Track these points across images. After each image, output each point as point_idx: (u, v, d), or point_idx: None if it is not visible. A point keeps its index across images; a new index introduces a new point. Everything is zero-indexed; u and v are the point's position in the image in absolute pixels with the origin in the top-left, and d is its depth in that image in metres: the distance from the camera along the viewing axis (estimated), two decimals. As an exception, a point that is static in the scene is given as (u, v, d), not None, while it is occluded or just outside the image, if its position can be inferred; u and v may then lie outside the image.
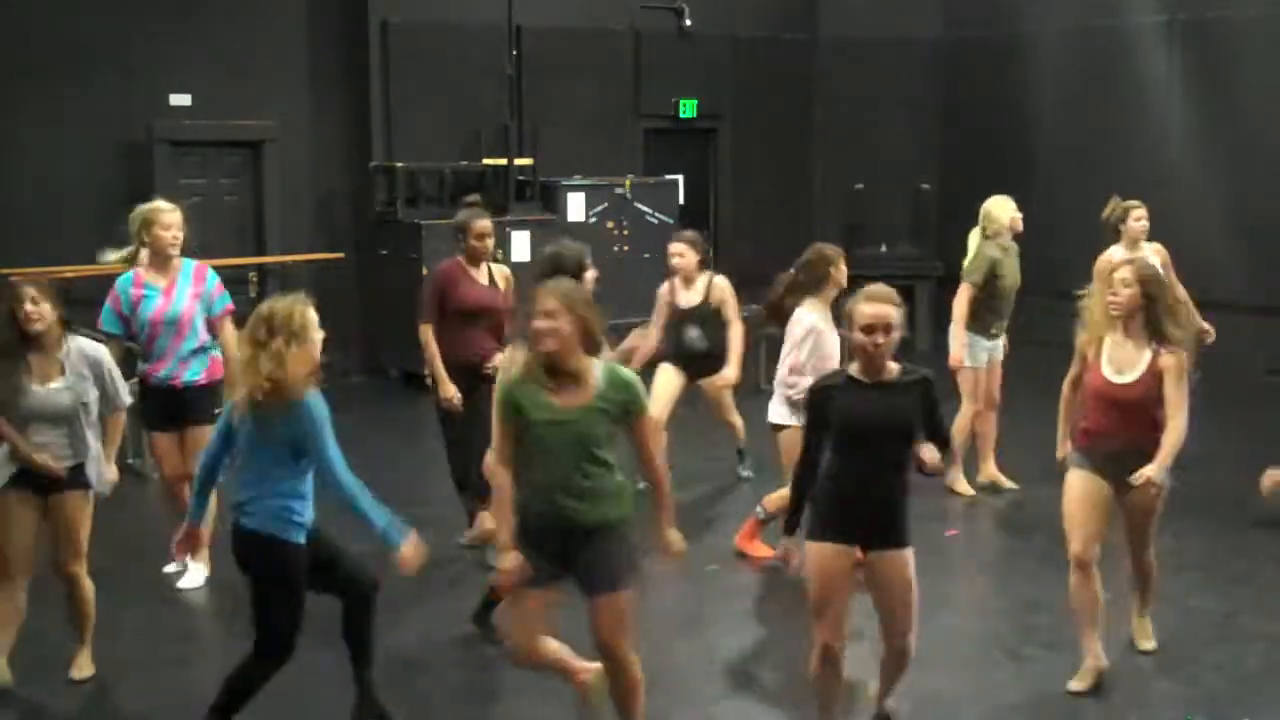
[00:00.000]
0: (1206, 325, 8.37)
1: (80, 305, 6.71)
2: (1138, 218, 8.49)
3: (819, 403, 4.81)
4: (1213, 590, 6.90)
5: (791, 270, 7.08)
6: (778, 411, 7.00)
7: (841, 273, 6.97)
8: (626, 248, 13.33)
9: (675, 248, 8.36)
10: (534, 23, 13.23)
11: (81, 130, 11.77)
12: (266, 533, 4.85)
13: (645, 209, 13.44)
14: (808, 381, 6.99)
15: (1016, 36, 14.47)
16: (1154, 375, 5.46)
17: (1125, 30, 13.46)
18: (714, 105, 14.85)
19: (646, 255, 13.46)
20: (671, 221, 13.63)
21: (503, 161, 12.84)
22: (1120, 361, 5.53)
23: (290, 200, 12.84)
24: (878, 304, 4.66)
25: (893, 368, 4.73)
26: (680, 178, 14.26)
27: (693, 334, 8.27)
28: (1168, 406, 5.46)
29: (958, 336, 8.43)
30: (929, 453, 4.74)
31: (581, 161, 13.51)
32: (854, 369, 4.78)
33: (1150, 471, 5.39)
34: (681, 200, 14.08)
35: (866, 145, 15.08)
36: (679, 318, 8.28)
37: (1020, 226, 8.64)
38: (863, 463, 4.73)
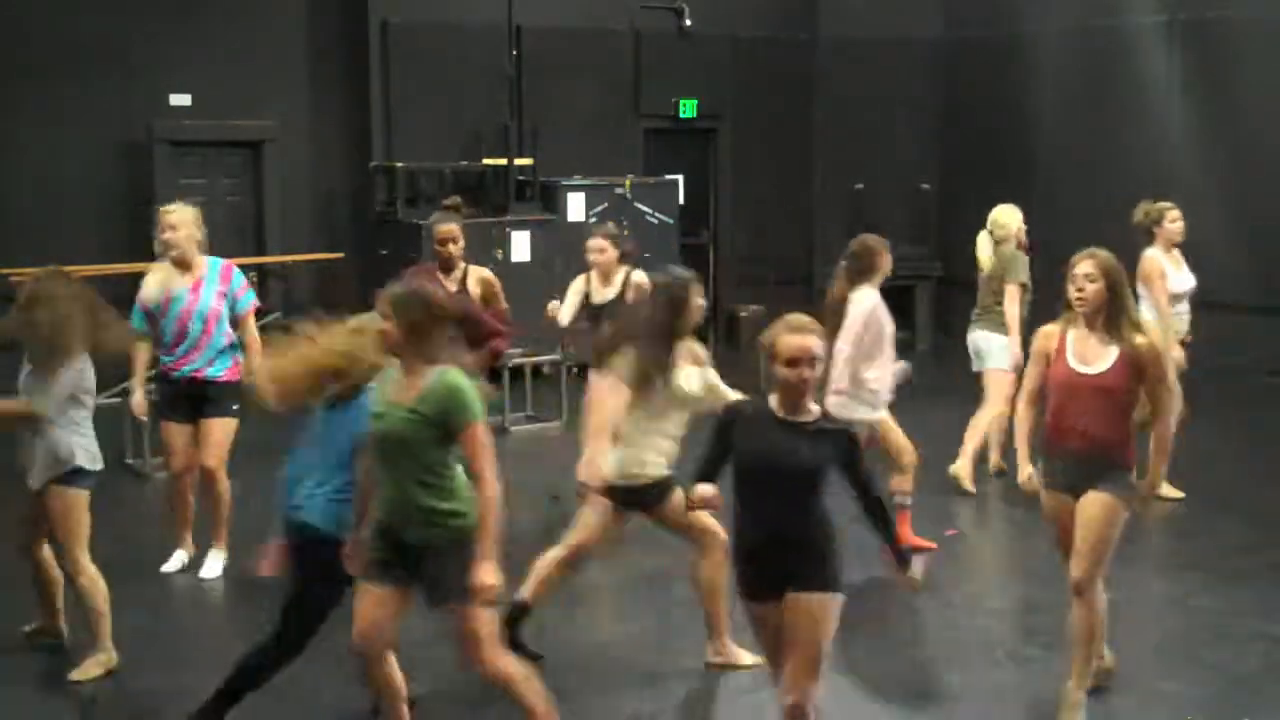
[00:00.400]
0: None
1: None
2: (1173, 219, 8.47)
3: (725, 424, 4.47)
4: (1213, 590, 6.89)
5: (841, 263, 7.21)
6: (859, 410, 6.91)
7: (887, 260, 7.19)
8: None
9: (595, 243, 7.78)
10: (534, 23, 13.23)
11: (81, 130, 11.78)
12: (321, 528, 4.87)
13: (645, 209, 13.44)
14: (889, 367, 7.10)
15: (1016, 36, 14.47)
16: (1128, 367, 5.16)
17: (1125, 30, 13.46)
18: (714, 105, 14.85)
19: (647, 255, 13.42)
20: (671, 221, 13.63)
21: (503, 161, 12.84)
22: (1085, 354, 5.23)
23: (290, 200, 12.85)
24: (802, 335, 4.31)
25: (813, 409, 4.37)
26: (680, 178, 14.26)
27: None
28: (1155, 405, 5.23)
29: (1016, 341, 8.46)
30: (903, 581, 4.63)
31: (581, 161, 13.51)
32: (774, 402, 4.39)
33: (1156, 488, 5.36)
34: (681, 200, 14.08)
35: (866, 145, 15.08)
36: (594, 314, 7.71)
37: (1024, 237, 8.79)
38: (765, 505, 4.34)
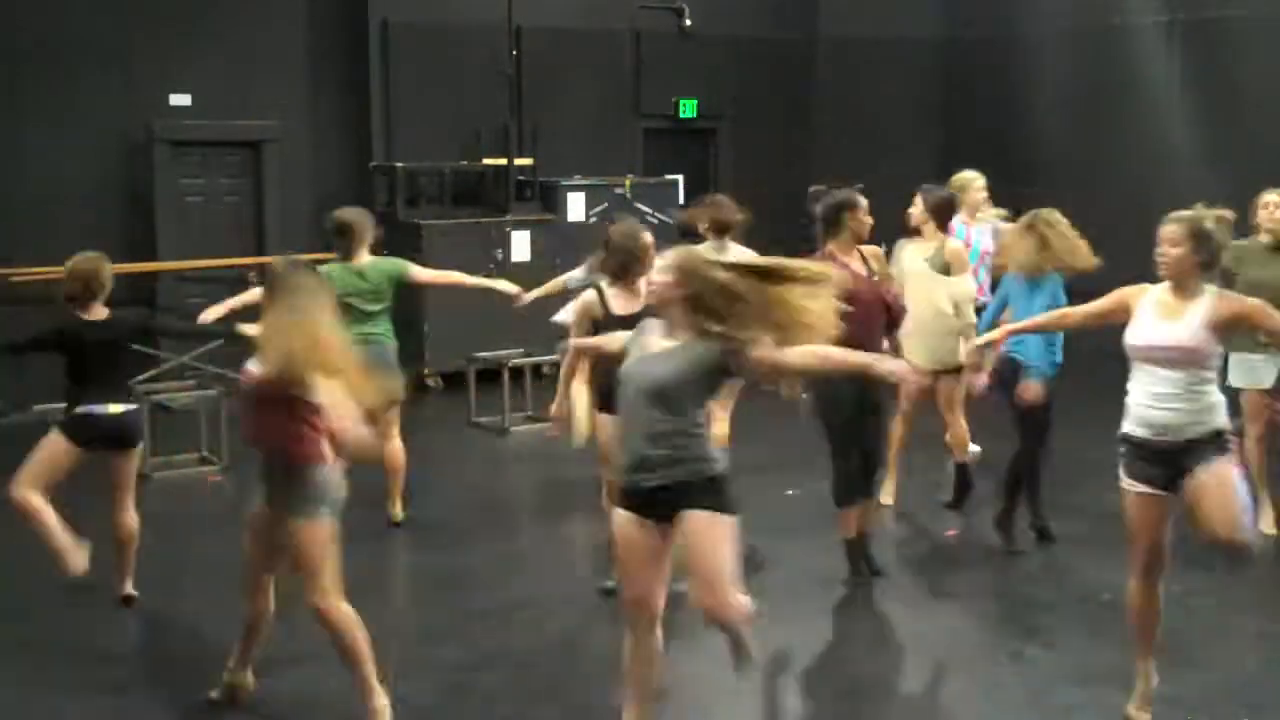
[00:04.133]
0: None
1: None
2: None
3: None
4: (1213, 590, 6.89)
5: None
6: None
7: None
8: (626, 248, 13.33)
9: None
10: (534, 23, 13.24)
11: (81, 130, 11.78)
12: None
13: (645, 209, 13.44)
14: None
15: (1016, 36, 14.49)
16: None
17: (1125, 30, 13.47)
18: (714, 105, 14.86)
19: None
20: (671, 222, 13.62)
21: (503, 161, 12.84)
22: None
23: (290, 200, 12.85)
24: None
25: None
26: (680, 178, 14.26)
27: None
28: None
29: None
30: None
31: (581, 161, 13.52)
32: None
33: None
34: (681, 200, 14.08)
35: (866, 145, 15.08)
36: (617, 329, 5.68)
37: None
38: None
